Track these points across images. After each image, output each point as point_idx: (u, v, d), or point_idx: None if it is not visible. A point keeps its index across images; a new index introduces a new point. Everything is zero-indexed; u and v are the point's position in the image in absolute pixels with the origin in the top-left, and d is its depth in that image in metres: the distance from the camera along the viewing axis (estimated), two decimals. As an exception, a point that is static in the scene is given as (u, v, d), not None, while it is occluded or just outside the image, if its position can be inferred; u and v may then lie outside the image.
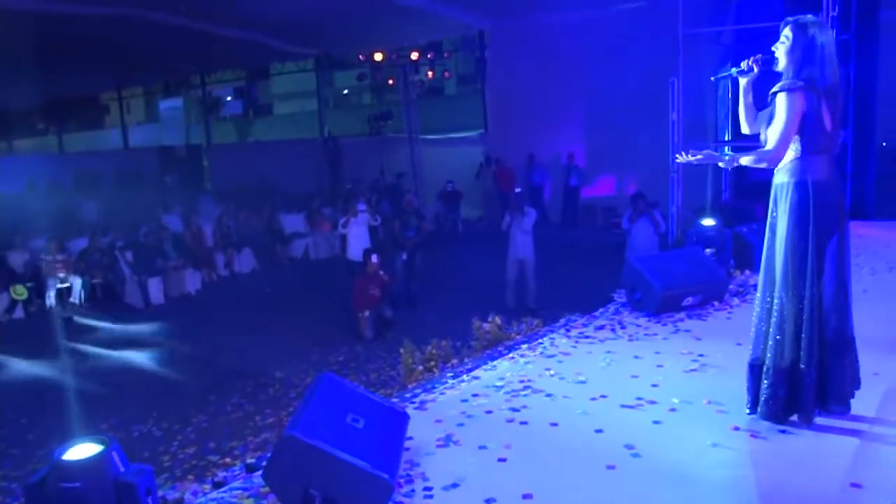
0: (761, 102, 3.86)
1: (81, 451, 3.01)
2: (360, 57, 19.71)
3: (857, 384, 3.81)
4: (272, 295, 12.93)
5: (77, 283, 12.60)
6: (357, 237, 11.61)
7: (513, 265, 10.78)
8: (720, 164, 3.83)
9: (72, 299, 12.65)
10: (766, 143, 3.69)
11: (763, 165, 3.63)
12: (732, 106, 14.41)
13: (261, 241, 15.47)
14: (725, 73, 4.12)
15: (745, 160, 3.71)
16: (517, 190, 11.87)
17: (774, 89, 3.62)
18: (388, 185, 19.38)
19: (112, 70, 23.74)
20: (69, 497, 2.85)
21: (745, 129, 3.92)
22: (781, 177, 3.70)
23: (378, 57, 18.81)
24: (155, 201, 19.02)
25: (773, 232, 3.75)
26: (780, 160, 3.59)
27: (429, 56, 19.52)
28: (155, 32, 16.73)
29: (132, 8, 15.16)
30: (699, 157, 3.81)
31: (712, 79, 4.45)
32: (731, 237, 7.98)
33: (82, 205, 19.52)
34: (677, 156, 3.94)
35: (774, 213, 3.75)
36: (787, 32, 3.68)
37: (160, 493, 3.57)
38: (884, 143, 12.90)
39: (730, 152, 3.99)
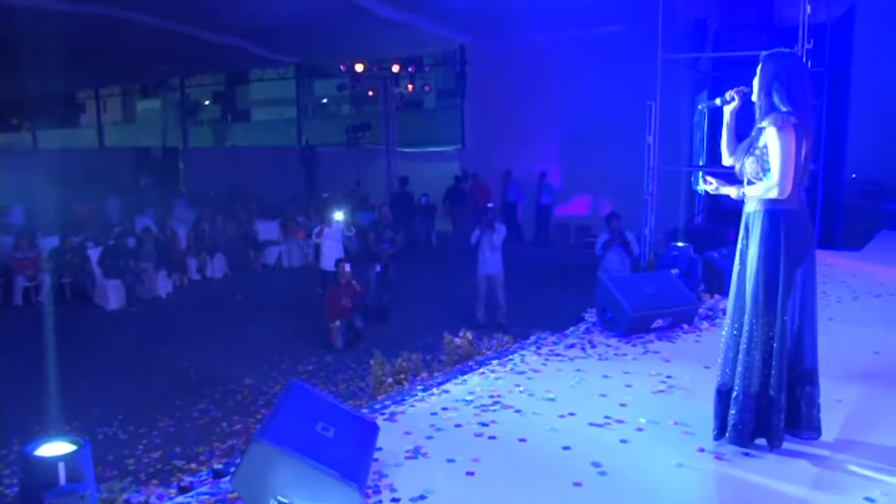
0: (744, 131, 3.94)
1: (48, 450, 3.03)
2: (341, 67, 19.73)
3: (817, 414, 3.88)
4: (243, 301, 12.87)
5: (46, 281, 12.47)
6: (330, 247, 11.60)
7: (481, 280, 10.82)
8: (731, 195, 3.90)
9: (40, 298, 12.53)
10: (750, 175, 3.76)
11: (773, 196, 3.67)
12: (708, 131, 14.66)
13: (234, 246, 15.40)
14: (709, 103, 4.20)
15: (754, 192, 3.75)
16: (489, 205, 11.91)
17: (763, 124, 3.68)
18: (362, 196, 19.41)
19: (90, 68, 23.52)
20: (18, 489, 3.04)
21: (725, 159, 3.98)
22: (753, 205, 3.77)
23: (359, 67, 18.83)
24: (129, 202, 18.94)
25: (744, 259, 3.82)
26: (788, 192, 3.62)
27: (409, 69, 19.59)
28: (135, 33, 16.66)
29: (114, 8, 15.08)
30: (714, 185, 3.95)
31: (700, 107, 4.55)
32: (701, 262, 8.07)
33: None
34: (702, 182, 4.02)
35: (745, 241, 3.82)
36: (762, 65, 3.76)
37: (124, 496, 3.55)
38: (853, 175, 13.14)
39: (710, 182, 4.03)
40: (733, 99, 3.95)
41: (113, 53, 19.80)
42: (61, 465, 2.94)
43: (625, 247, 10.52)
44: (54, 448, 3.05)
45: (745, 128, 3.92)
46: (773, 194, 3.65)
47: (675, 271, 7.43)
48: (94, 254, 12.92)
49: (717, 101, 4.05)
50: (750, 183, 3.78)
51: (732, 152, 3.95)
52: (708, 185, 4.00)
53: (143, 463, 6.56)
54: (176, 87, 29.42)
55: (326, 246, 11.62)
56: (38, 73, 21.76)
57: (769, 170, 3.66)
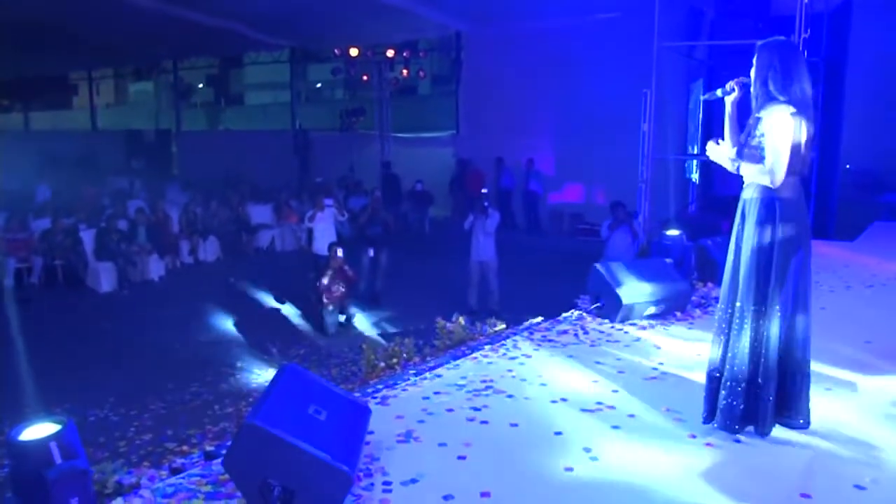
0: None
1: (35, 431, 3.02)
2: (336, 51, 19.61)
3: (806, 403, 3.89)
4: (236, 285, 12.84)
5: (38, 263, 12.41)
6: (323, 231, 11.57)
7: (474, 267, 10.78)
8: (728, 167, 3.90)
9: (31, 279, 12.47)
10: (747, 163, 3.76)
11: (766, 182, 3.67)
12: (703, 120, 14.68)
13: (227, 229, 15.34)
14: (710, 94, 4.19)
15: (748, 171, 3.76)
16: (483, 191, 11.86)
17: (760, 113, 3.67)
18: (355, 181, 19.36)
19: (82, 50, 23.37)
20: (8, 473, 2.95)
21: (729, 150, 3.97)
22: (750, 192, 3.77)
23: (353, 52, 18.73)
24: (121, 185, 18.91)
25: (738, 246, 3.82)
26: (779, 181, 3.63)
27: (404, 54, 19.48)
28: (129, 15, 16.52)
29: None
30: (718, 150, 3.94)
31: (703, 97, 4.55)
32: (695, 250, 8.08)
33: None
34: (709, 145, 4.01)
35: (741, 228, 3.82)
36: (758, 54, 3.75)
37: (115, 477, 3.55)
38: (847, 166, 13.17)
39: (717, 144, 4.03)
40: (734, 90, 3.94)
41: (106, 35, 19.63)
42: (54, 445, 2.94)
43: (630, 226, 10.46)
44: (41, 430, 3.04)
45: (747, 118, 3.91)
46: (765, 181, 3.65)
47: (669, 260, 7.43)
48: (86, 236, 12.85)
49: (719, 91, 4.05)
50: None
51: (735, 143, 3.94)
52: (713, 147, 3.99)
53: (134, 445, 6.55)
54: (169, 69, 29.18)
55: (319, 230, 11.58)
56: (30, 54, 21.64)
57: (766, 158, 3.66)
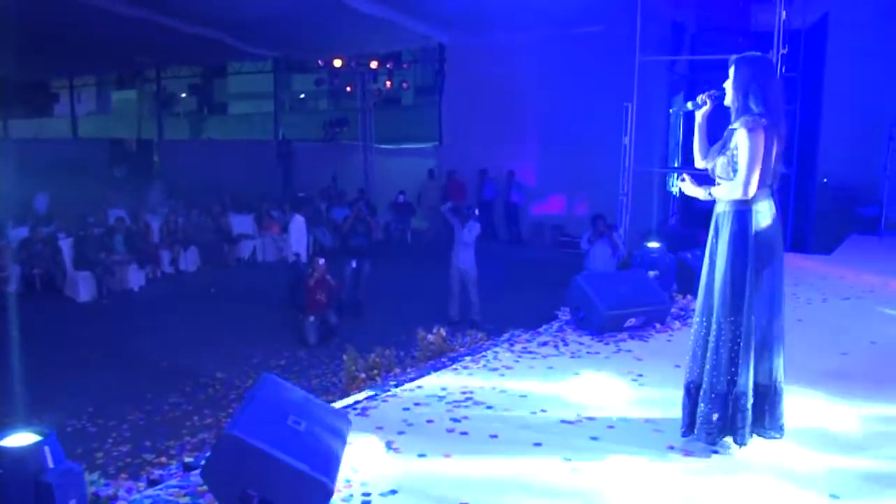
0: (716, 134, 3.98)
1: (17, 440, 2.99)
2: (320, 62, 19.69)
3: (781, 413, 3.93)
4: (216, 295, 12.78)
5: (15, 272, 12.29)
6: (300, 241, 11.58)
7: (455, 274, 10.79)
8: (699, 197, 3.96)
9: (9, 289, 12.34)
10: (720, 176, 3.81)
11: (738, 197, 3.71)
12: (684, 133, 14.79)
13: (208, 239, 15.27)
14: (681, 107, 4.25)
15: (721, 191, 3.81)
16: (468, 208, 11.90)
17: (734, 126, 3.72)
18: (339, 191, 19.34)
19: (64, 57, 23.22)
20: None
21: (698, 162, 4.01)
22: (723, 206, 3.81)
23: (337, 63, 18.81)
24: (103, 194, 18.77)
25: (713, 259, 3.86)
26: (752, 193, 3.66)
27: (388, 65, 19.60)
28: (111, 21, 16.45)
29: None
30: (687, 183, 4.02)
31: (671, 111, 4.61)
32: (674, 262, 8.14)
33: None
34: (678, 180, 4.07)
35: (715, 240, 3.86)
36: (734, 68, 3.80)
37: (92, 489, 3.52)
38: (825, 180, 13.30)
39: (685, 179, 4.09)
40: (705, 103, 3.99)
41: (88, 42, 19.54)
42: (47, 449, 2.92)
43: (610, 238, 10.49)
44: (20, 440, 3.01)
45: (717, 130, 3.96)
46: (738, 195, 3.69)
47: (653, 273, 7.46)
48: (65, 245, 12.76)
49: (689, 104, 4.10)
50: (718, 184, 3.84)
51: (705, 155, 3.98)
52: (682, 182, 4.05)
53: (112, 456, 6.51)
54: (152, 78, 29.10)
55: (296, 240, 11.63)
56: (10, 61, 21.46)
57: (738, 170, 3.70)
